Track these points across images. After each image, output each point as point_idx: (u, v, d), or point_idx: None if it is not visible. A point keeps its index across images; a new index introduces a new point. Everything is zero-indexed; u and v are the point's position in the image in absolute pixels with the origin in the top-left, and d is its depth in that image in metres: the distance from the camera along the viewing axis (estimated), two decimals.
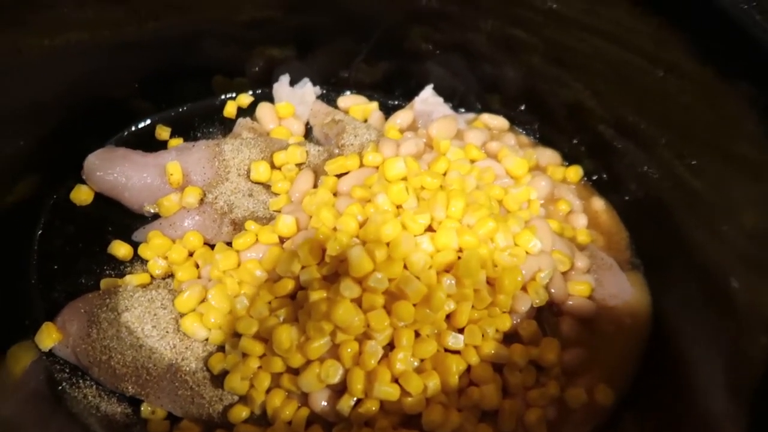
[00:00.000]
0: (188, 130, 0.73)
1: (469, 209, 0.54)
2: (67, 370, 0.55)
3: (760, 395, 0.43)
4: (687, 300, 0.59)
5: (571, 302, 0.59)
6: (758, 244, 0.50)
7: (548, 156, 0.72)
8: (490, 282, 0.54)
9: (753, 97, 0.50)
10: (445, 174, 0.60)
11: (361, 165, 0.62)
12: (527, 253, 0.56)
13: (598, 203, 0.69)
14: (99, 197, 0.65)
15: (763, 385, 0.43)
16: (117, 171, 0.63)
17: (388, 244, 0.51)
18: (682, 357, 0.57)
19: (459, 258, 0.52)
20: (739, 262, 0.51)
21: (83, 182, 0.65)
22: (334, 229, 0.55)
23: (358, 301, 0.50)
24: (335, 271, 0.53)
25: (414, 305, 0.50)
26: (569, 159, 0.73)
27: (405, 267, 0.51)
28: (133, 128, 0.72)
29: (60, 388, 0.54)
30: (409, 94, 0.77)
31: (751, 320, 0.48)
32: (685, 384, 0.54)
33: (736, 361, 0.48)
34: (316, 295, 0.51)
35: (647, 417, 0.56)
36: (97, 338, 0.53)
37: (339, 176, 0.62)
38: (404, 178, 0.57)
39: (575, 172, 0.71)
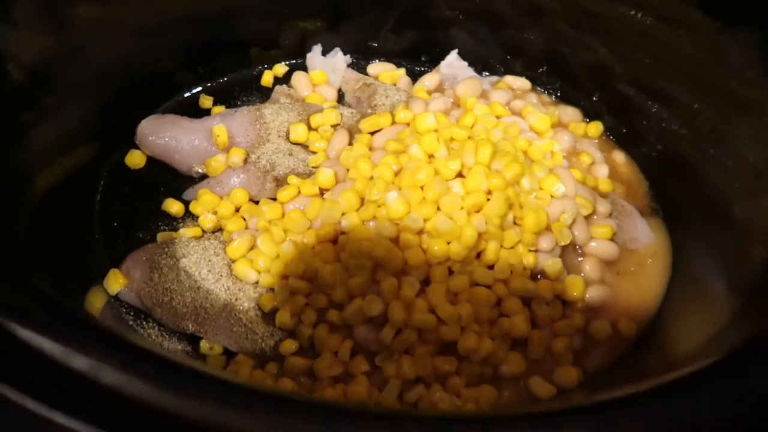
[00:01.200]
0: (229, 99, 0.78)
1: (496, 156, 0.58)
2: (132, 314, 0.61)
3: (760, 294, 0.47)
4: (702, 238, 0.63)
5: (593, 244, 0.62)
6: (756, 175, 0.54)
7: (570, 113, 0.76)
8: (517, 222, 0.58)
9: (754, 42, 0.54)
10: (472, 127, 0.64)
11: (393, 122, 0.67)
12: (551, 196, 0.60)
13: (618, 155, 0.73)
14: (151, 161, 0.71)
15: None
16: (167, 135, 0.69)
17: (422, 188, 0.56)
18: (702, 291, 0.61)
19: (488, 200, 0.56)
20: (743, 191, 0.56)
21: (136, 147, 0.71)
22: (371, 178, 0.59)
23: (395, 241, 0.55)
24: (374, 216, 0.58)
25: (447, 243, 0.54)
26: (590, 116, 0.76)
27: (438, 209, 0.56)
28: (179, 98, 0.77)
29: (128, 327, 0.60)
30: (435, 61, 0.81)
31: (751, 235, 0.52)
32: (703, 313, 0.58)
33: (740, 272, 0.52)
34: (357, 235, 0.55)
35: (668, 347, 0.60)
36: (159, 282, 0.59)
37: (372, 134, 0.67)
38: (435, 130, 0.62)
39: (596, 128, 0.74)
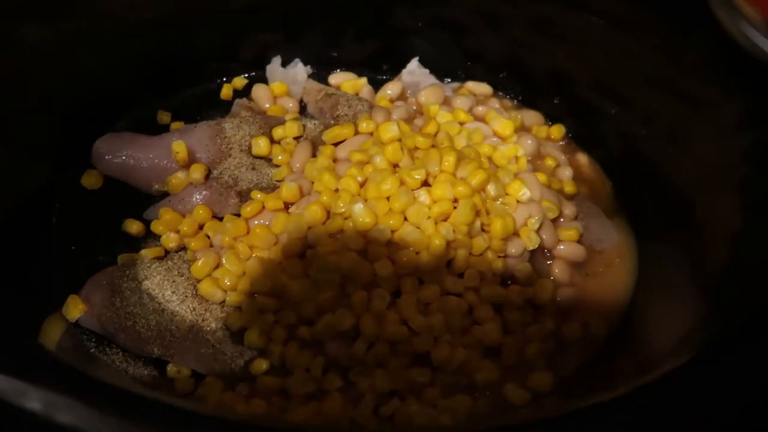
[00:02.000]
0: (188, 114, 0.76)
1: (461, 163, 0.58)
2: (94, 340, 0.59)
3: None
4: (666, 237, 0.64)
5: (561, 247, 0.63)
6: (714, 173, 0.56)
7: (532, 117, 0.76)
8: (484, 229, 0.58)
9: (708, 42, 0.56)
10: (435, 135, 0.64)
11: (357, 132, 0.66)
12: (518, 201, 0.60)
13: (582, 157, 0.74)
14: (108, 180, 0.69)
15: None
16: (125, 154, 0.67)
17: (388, 199, 0.55)
18: (669, 289, 0.61)
19: (454, 208, 0.56)
20: (702, 190, 0.57)
21: (92, 167, 0.69)
22: (336, 190, 0.59)
23: (363, 253, 0.54)
24: (340, 228, 0.57)
25: (416, 253, 0.54)
26: (552, 119, 0.77)
27: (405, 219, 0.55)
28: (135, 115, 0.75)
29: (89, 356, 0.58)
30: (396, 69, 0.81)
31: (713, 234, 0.54)
32: (671, 312, 0.59)
33: (704, 271, 0.53)
34: (324, 249, 0.54)
35: (639, 347, 0.60)
36: (121, 306, 0.57)
37: (336, 145, 0.66)
38: (398, 140, 0.61)
39: (558, 130, 0.75)
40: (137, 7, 0.70)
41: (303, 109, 0.78)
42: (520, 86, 0.79)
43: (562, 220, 0.64)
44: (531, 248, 0.59)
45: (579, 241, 0.64)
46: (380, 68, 0.82)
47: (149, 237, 0.66)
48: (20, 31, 0.61)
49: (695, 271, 0.59)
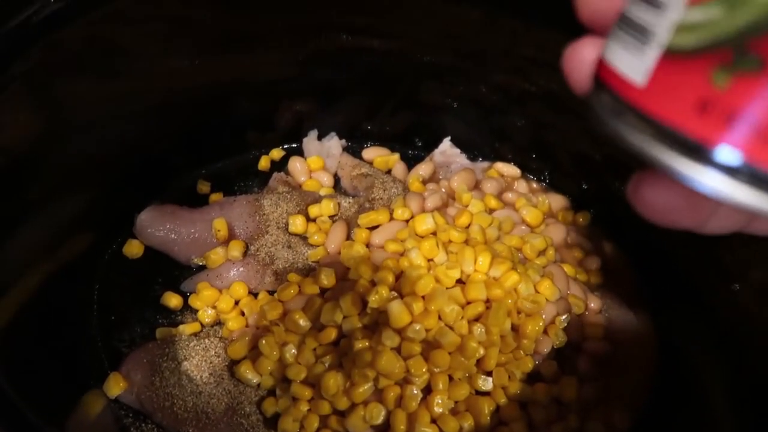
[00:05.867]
0: (227, 184, 0.78)
1: (494, 262, 0.60)
2: (131, 415, 0.61)
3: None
4: (691, 329, 0.66)
5: (586, 341, 0.64)
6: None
7: (558, 201, 0.78)
8: (514, 328, 0.59)
9: None
10: (468, 227, 0.66)
11: (391, 218, 0.68)
12: (546, 299, 0.62)
13: (607, 246, 0.75)
14: (148, 250, 0.71)
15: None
16: (167, 227, 0.69)
17: (423, 297, 0.57)
18: (691, 380, 0.63)
19: (487, 308, 0.58)
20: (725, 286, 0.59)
21: (134, 237, 0.71)
22: (372, 281, 0.61)
23: (397, 350, 0.56)
24: (375, 321, 0.59)
25: (449, 353, 0.56)
26: (578, 203, 0.79)
27: (439, 318, 0.57)
28: (176, 183, 0.78)
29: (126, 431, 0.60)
30: (428, 144, 0.83)
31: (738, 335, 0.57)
32: (695, 404, 0.60)
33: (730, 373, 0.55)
34: (360, 344, 0.56)
35: None
36: (160, 386, 0.59)
37: (371, 229, 0.68)
38: (433, 233, 0.63)
39: (584, 217, 0.77)
40: (177, 76, 0.72)
41: (337, 182, 0.80)
42: (548, 169, 0.81)
43: (587, 313, 0.66)
44: (558, 346, 0.61)
45: (603, 334, 0.66)
46: (412, 143, 0.85)
47: (186, 309, 0.68)
48: (68, 91, 0.63)
49: (720, 372, 0.61)
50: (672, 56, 0.20)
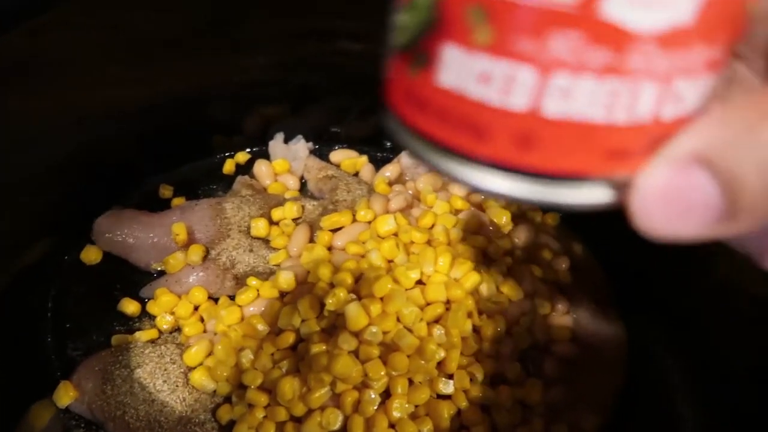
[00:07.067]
0: (190, 188, 0.77)
1: (455, 263, 0.59)
2: (83, 425, 0.59)
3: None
4: (659, 331, 0.64)
5: (553, 343, 0.63)
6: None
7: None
8: (476, 329, 0.58)
9: None
10: (431, 227, 0.65)
11: (354, 220, 0.67)
12: (510, 300, 0.60)
13: (576, 246, 0.74)
14: (107, 256, 0.69)
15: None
16: (125, 232, 0.68)
17: (381, 299, 0.56)
18: (659, 383, 0.62)
19: (447, 309, 0.57)
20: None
21: (92, 243, 0.69)
22: (331, 284, 0.59)
23: (355, 353, 0.55)
24: (333, 324, 0.57)
25: (408, 356, 0.54)
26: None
27: (398, 320, 0.56)
28: (138, 188, 0.76)
29: None
30: (397, 146, 0.82)
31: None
32: (663, 408, 0.59)
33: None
34: (316, 348, 0.55)
35: None
36: (112, 395, 0.57)
37: (333, 231, 0.67)
38: (395, 234, 0.62)
39: (553, 217, 0.76)
40: (144, 81, 0.71)
41: (303, 185, 0.79)
42: None
43: (554, 314, 0.65)
44: (522, 348, 0.60)
45: (571, 336, 0.64)
46: (381, 145, 0.84)
47: (144, 316, 0.66)
48: (19, 102, 0.62)
49: (687, 374, 0.60)
50: (394, 55, 0.22)
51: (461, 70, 0.19)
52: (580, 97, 0.18)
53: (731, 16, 0.19)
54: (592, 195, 0.20)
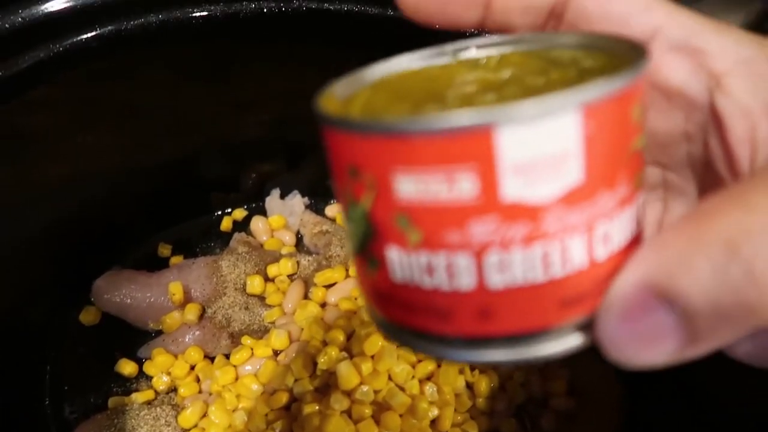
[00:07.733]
0: (188, 246, 0.78)
1: None
2: None
3: None
4: (655, 379, 0.64)
5: (549, 397, 0.63)
6: None
7: None
8: (469, 385, 0.58)
9: None
10: None
11: (347, 276, 0.68)
12: None
13: None
14: (106, 316, 0.70)
15: None
16: (123, 293, 0.69)
17: (372, 357, 0.56)
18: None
19: (438, 366, 0.57)
20: None
21: (91, 303, 0.70)
22: (324, 342, 0.60)
23: (348, 413, 0.55)
24: (326, 382, 0.57)
25: (400, 415, 0.54)
26: None
27: (390, 378, 0.56)
28: (138, 248, 0.78)
29: None
30: None
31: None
32: None
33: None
34: (309, 408, 0.55)
35: None
36: None
37: (327, 287, 0.68)
38: None
39: None
40: (141, 143, 0.73)
41: (300, 240, 0.80)
42: None
43: (549, 368, 0.65)
44: (517, 403, 0.59)
45: (567, 390, 0.64)
46: None
47: (141, 376, 0.67)
48: (27, 172, 0.64)
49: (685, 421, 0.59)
50: (354, 257, 0.24)
51: (408, 267, 0.21)
52: (515, 266, 0.20)
53: (621, 159, 0.20)
54: (563, 343, 0.21)
